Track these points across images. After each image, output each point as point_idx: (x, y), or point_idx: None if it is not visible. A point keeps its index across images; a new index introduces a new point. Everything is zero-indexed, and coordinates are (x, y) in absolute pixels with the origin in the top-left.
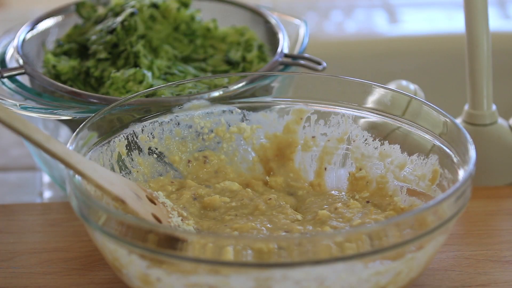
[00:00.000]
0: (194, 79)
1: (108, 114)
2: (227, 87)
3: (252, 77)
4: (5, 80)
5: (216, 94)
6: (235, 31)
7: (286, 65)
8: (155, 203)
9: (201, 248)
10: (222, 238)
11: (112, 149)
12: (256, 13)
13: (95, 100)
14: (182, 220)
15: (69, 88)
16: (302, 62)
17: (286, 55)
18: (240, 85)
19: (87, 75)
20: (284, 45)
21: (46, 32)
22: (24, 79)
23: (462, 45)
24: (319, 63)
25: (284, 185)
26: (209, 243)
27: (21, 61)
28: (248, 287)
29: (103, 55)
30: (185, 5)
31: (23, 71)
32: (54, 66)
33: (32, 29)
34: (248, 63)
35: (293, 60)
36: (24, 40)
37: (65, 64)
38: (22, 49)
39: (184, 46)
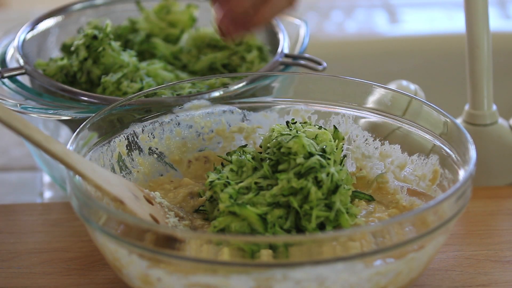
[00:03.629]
0: (195, 79)
1: (108, 114)
2: (227, 87)
3: (253, 77)
4: (6, 80)
5: (216, 94)
6: None
7: (287, 65)
8: (152, 204)
9: (199, 247)
10: (220, 238)
11: (112, 149)
12: None
13: (95, 100)
14: (179, 220)
15: (70, 88)
16: (302, 62)
17: (286, 55)
18: (241, 85)
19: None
20: (284, 45)
21: (46, 32)
22: (25, 79)
23: (462, 45)
24: (319, 63)
25: None
26: (207, 243)
27: (21, 61)
28: (248, 287)
29: (83, 53)
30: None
31: (23, 71)
32: (44, 70)
33: (32, 29)
34: (248, 63)
35: (293, 60)
36: (24, 40)
37: (53, 66)
38: (22, 49)
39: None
